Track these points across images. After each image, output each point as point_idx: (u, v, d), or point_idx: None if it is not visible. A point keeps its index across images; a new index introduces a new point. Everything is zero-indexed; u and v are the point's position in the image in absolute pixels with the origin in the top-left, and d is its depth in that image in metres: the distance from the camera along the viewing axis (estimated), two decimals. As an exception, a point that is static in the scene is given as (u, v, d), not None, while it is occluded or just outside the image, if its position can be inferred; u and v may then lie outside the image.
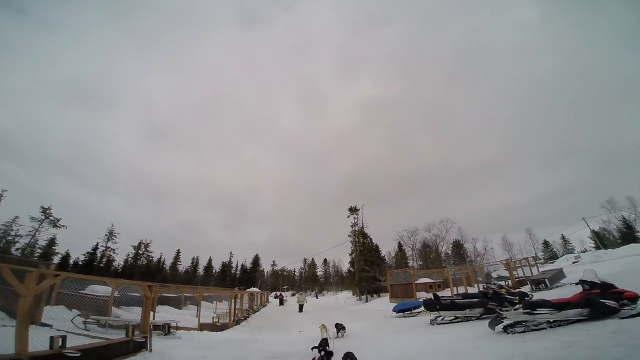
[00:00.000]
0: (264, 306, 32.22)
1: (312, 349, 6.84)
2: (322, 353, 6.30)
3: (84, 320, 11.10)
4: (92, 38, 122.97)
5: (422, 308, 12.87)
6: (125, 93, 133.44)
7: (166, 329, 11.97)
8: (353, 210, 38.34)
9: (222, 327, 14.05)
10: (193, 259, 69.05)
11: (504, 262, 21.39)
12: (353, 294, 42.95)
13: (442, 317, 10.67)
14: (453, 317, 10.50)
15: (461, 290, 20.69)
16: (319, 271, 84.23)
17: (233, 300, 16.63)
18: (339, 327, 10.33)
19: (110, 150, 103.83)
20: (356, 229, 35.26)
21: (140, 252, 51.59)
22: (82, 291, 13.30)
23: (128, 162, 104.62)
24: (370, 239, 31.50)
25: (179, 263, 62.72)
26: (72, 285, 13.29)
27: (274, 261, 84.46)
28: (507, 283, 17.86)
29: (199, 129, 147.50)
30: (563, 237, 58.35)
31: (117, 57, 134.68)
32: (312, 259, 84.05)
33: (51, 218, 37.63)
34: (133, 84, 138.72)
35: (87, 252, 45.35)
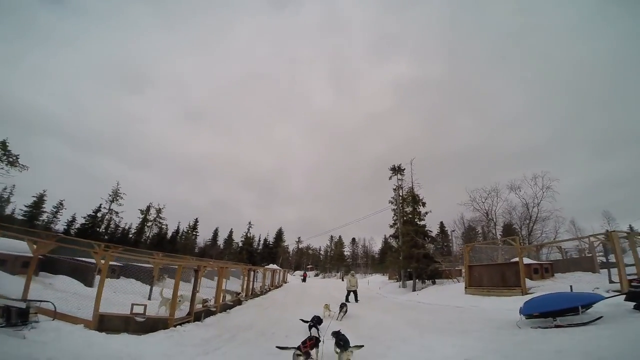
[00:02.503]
0: (277, 287, 25.43)
1: (304, 322, 7.06)
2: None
3: None
4: (131, 25, 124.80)
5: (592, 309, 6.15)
6: (162, 76, 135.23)
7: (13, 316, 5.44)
8: (397, 170, 29.89)
9: (152, 326, 6.89)
10: (214, 230, 64.89)
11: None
12: (390, 278, 35.19)
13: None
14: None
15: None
16: (347, 251, 77.26)
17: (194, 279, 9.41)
18: (342, 307, 9.99)
19: (148, 130, 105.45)
20: (401, 193, 26.86)
21: (150, 218, 47.20)
22: None
23: (165, 141, 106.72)
24: (424, 203, 23.10)
25: (196, 233, 58.54)
26: None
27: (299, 238, 78.62)
28: None
29: (231, 109, 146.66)
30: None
31: (152, 41, 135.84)
32: (340, 236, 77.09)
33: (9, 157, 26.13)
34: (169, 67, 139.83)
35: (88, 215, 41.40)
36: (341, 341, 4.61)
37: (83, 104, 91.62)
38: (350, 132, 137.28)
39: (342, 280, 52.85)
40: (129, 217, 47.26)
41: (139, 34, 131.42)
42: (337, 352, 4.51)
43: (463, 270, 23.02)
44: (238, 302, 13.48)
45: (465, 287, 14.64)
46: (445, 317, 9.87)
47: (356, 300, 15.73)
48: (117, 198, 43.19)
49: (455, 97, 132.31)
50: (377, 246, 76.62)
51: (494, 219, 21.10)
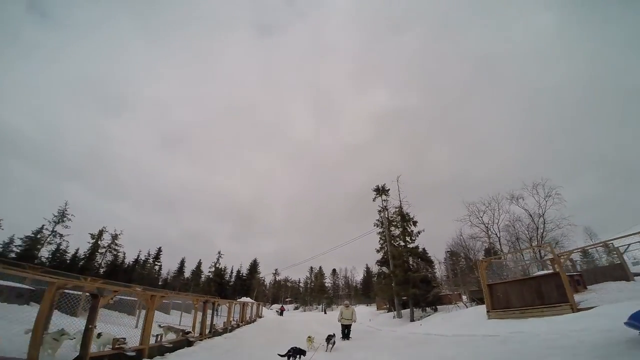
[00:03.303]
0: (248, 323, 21.07)
1: (281, 356, 6.66)
2: None
3: None
4: (113, 42, 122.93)
5: None
6: (142, 99, 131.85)
7: None
8: (381, 190, 27.48)
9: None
10: (181, 261, 58.27)
11: None
12: (379, 309, 31.33)
13: None
14: None
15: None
16: (327, 282, 72.15)
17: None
18: (330, 338, 9.34)
19: (121, 153, 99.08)
20: (387, 215, 24.15)
21: (102, 244, 40.74)
22: None
23: (139, 166, 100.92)
24: (415, 222, 20.34)
25: (159, 263, 51.80)
26: None
27: (276, 270, 72.87)
28: None
29: (211, 137, 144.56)
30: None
31: (136, 63, 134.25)
32: (320, 267, 72.22)
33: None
34: (150, 90, 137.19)
35: (26, 236, 34.78)
36: None
37: (55, 123, 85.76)
38: (330, 163, 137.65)
39: (325, 313, 47.84)
40: (81, 243, 41.11)
41: (121, 54, 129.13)
42: None
43: (464, 295, 20.09)
44: (186, 343, 9.61)
45: (488, 311, 11.59)
46: (489, 352, 6.74)
47: (347, 336, 12.22)
48: (64, 219, 37.10)
49: (432, 126, 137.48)
50: (359, 276, 72.57)
51: (498, 234, 18.71)
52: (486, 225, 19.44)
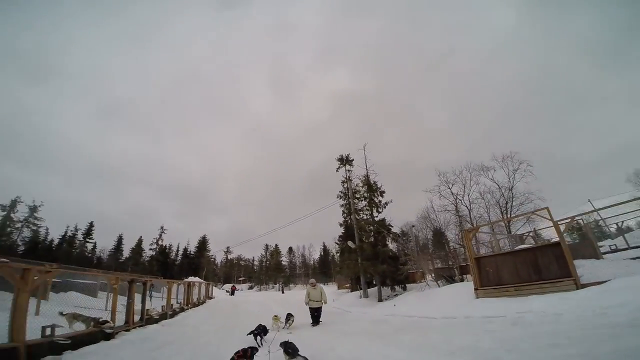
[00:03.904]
0: (196, 305, 18.34)
1: (248, 334, 6.89)
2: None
3: None
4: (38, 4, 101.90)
5: None
6: (78, 65, 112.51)
7: None
8: (345, 160, 25.67)
9: None
10: (118, 237, 51.66)
11: None
12: (340, 288, 30.35)
13: None
14: None
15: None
16: (284, 261, 70.67)
17: None
18: (289, 317, 9.68)
19: (54, 126, 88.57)
20: (350, 185, 22.54)
21: (16, 218, 33.50)
22: None
23: (74, 141, 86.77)
24: (382, 191, 18.82)
25: (89, 240, 45.12)
26: None
27: (227, 247, 69.09)
28: None
29: (158, 109, 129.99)
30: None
31: (71, 25, 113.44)
32: (276, 245, 70.19)
33: None
34: (84, 57, 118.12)
35: None
36: (289, 349, 4.47)
37: None
38: (287, 141, 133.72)
39: (283, 292, 46.28)
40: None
41: (54, 21, 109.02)
42: None
43: (429, 275, 19.49)
44: (102, 336, 6.84)
45: (476, 289, 10.42)
46: (515, 338, 5.18)
47: (317, 321, 10.35)
48: None
49: (385, 112, 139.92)
50: (316, 254, 72.18)
51: (468, 205, 18.02)
52: (455, 196, 18.70)
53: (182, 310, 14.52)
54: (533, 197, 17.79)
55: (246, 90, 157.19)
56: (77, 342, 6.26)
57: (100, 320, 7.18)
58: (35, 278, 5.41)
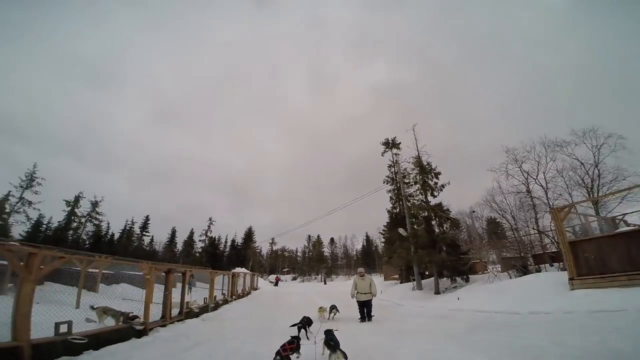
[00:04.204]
0: (240, 297, 18.00)
1: (291, 326, 6.70)
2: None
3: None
4: (98, 15, 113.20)
5: None
6: (132, 72, 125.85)
7: None
8: (391, 144, 23.74)
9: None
10: (172, 230, 54.94)
11: None
12: (386, 279, 28.62)
13: None
14: None
15: None
16: (326, 251, 70.23)
17: None
18: (332, 308, 9.55)
19: (116, 129, 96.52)
20: (399, 169, 20.52)
21: (79, 212, 36.92)
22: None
23: (134, 142, 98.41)
24: (437, 173, 16.53)
25: (146, 234, 48.58)
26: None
27: (272, 239, 70.36)
28: None
29: (206, 110, 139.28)
30: None
31: (124, 35, 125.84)
32: (318, 236, 69.94)
33: None
34: (140, 63, 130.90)
35: None
36: (331, 341, 4.47)
37: (40, 101, 79.90)
38: (327, 135, 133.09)
39: (325, 283, 45.76)
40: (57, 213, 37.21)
41: (107, 29, 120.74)
42: (326, 354, 4.36)
43: (492, 265, 16.97)
44: (133, 333, 6.13)
45: (571, 279, 8.22)
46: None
47: (368, 317, 9.01)
48: (32, 184, 32.84)
49: (430, 100, 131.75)
50: (358, 245, 70.65)
51: (544, 185, 15.04)
52: (527, 174, 15.76)
53: (225, 302, 14.03)
54: (627, 174, 14.37)
55: (286, 87, 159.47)
56: (102, 340, 5.55)
57: (130, 315, 6.48)
58: (42, 267, 4.65)
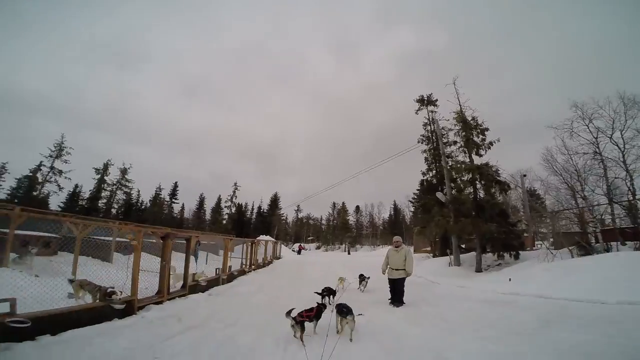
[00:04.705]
0: (260, 267, 17.24)
1: (316, 292, 6.91)
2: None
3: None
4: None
5: None
6: (155, 50, 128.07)
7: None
8: (426, 101, 21.09)
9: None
10: (200, 197, 56.18)
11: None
12: (417, 251, 26.86)
13: None
14: None
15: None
16: (351, 220, 69.41)
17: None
18: (362, 278, 9.24)
19: (143, 105, 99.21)
20: (436, 127, 18.04)
21: (109, 181, 38.01)
22: None
23: (160, 116, 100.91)
24: (484, 129, 13.85)
25: (175, 201, 49.93)
26: None
27: (298, 206, 70.45)
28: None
29: (228, 82, 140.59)
30: None
31: (143, 16, 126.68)
32: (343, 203, 68.95)
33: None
34: (161, 42, 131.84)
35: (24, 176, 32.18)
36: (344, 308, 4.48)
37: (74, 83, 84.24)
38: (351, 102, 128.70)
39: (349, 253, 45.11)
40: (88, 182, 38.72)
41: (127, 9, 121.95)
42: (337, 321, 4.43)
43: (540, 241, 14.53)
44: (112, 313, 5.01)
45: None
46: None
47: (399, 300, 7.41)
48: (62, 154, 33.74)
49: (458, 68, 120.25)
50: (385, 213, 68.96)
51: (622, 146, 12.06)
52: (597, 133, 12.76)
53: (242, 273, 13.14)
54: None
55: (308, 56, 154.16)
56: (72, 321, 4.44)
57: (109, 290, 5.32)
58: None
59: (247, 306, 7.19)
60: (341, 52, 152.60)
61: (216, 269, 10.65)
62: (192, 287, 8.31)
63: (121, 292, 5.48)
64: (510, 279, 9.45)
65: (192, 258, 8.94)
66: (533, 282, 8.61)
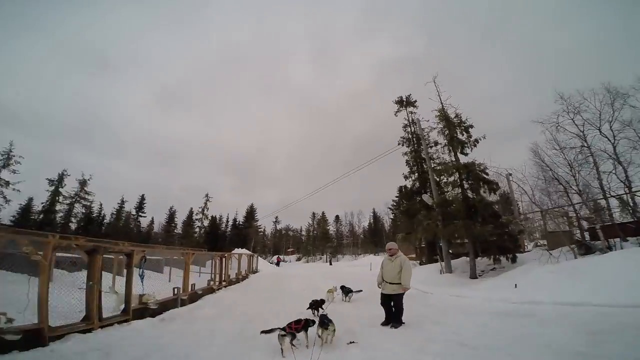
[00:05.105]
0: (233, 283, 15.37)
1: (307, 309, 6.73)
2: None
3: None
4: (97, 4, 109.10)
5: None
6: (133, 57, 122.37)
7: None
8: (405, 102, 20.63)
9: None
10: (170, 210, 52.43)
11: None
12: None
13: None
14: None
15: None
16: (331, 229, 67.93)
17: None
18: (346, 291, 9.02)
19: (119, 114, 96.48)
20: (416, 128, 17.42)
21: (65, 192, 34.07)
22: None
23: (138, 126, 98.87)
24: (468, 126, 13.19)
25: (142, 214, 46.15)
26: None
27: (276, 217, 68.12)
28: None
29: (207, 90, 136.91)
30: None
31: (122, 17, 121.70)
32: (323, 212, 67.52)
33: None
34: (139, 47, 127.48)
35: None
36: (325, 319, 4.57)
37: (39, 91, 79.62)
38: (331, 111, 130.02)
39: (330, 264, 43.37)
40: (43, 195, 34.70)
41: (104, 13, 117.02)
42: (318, 335, 4.38)
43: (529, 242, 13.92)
44: (12, 344, 3.22)
45: None
46: None
47: (396, 320, 5.96)
48: (10, 163, 29.76)
49: (440, 73, 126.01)
50: (365, 222, 68.21)
51: (612, 138, 11.68)
52: (583, 125, 12.41)
53: (210, 291, 11.29)
54: None
55: (288, 65, 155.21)
56: None
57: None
58: None
59: (207, 334, 5.55)
60: (321, 61, 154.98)
61: (174, 288, 8.82)
62: (139, 311, 6.54)
63: (6, 314, 3.79)
64: (516, 285, 8.41)
65: (137, 277, 7.15)
66: (543, 288, 7.59)
